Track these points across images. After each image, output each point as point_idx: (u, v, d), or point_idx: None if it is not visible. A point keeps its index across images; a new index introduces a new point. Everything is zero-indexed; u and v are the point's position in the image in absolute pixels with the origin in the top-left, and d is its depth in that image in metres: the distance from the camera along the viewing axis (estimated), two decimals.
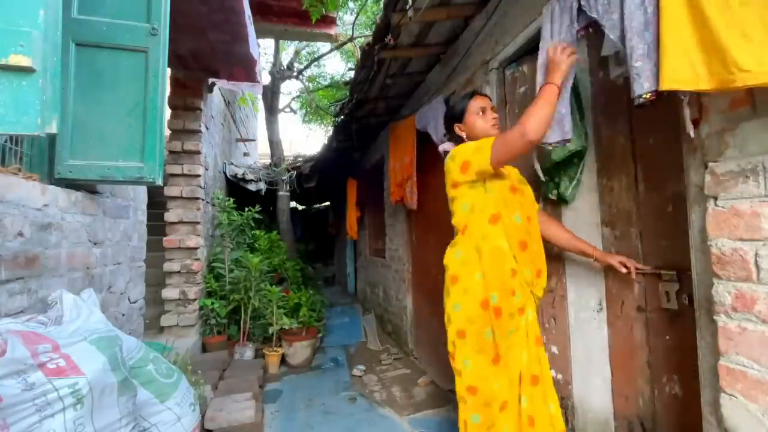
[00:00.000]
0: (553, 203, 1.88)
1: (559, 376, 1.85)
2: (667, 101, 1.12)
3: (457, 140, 1.70)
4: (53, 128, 1.15)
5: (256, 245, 4.65)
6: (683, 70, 0.98)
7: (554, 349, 1.88)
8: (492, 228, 1.51)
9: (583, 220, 1.73)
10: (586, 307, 1.71)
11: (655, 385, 1.45)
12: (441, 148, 1.81)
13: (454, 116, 1.71)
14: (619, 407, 1.58)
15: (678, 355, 1.37)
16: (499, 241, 1.50)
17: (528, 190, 1.65)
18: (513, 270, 1.49)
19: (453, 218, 1.64)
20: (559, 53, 1.39)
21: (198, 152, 3.66)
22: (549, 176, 1.84)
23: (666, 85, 1.01)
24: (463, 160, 1.52)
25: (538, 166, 1.72)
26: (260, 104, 7.31)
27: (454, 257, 1.59)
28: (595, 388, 1.67)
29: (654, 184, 1.46)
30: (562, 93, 1.44)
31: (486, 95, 1.74)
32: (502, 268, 1.49)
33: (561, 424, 1.53)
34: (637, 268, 1.45)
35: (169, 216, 3.56)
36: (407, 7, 2.04)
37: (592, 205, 1.69)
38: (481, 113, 1.64)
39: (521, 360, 1.51)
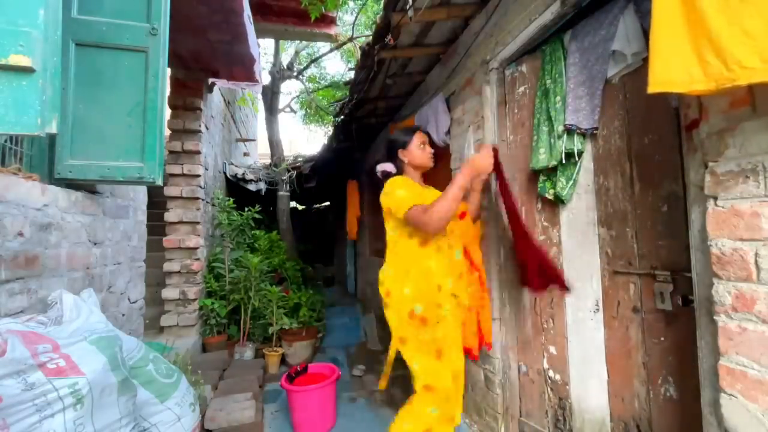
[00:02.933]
0: (549, 202, 1.87)
1: (557, 377, 1.85)
2: (662, 100, 1.11)
3: (399, 165, 1.94)
4: (53, 128, 1.15)
5: (256, 245, 4.65)
6: (676, 71, 0.96)
7: (552, 349, 1.87)
8: (421, 250, 1.75)
9: (580, 220, 1.73)
10: (584, 307, 1.71)
11: (651, 386, 1.45)
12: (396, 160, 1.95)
13: (399, 144, 1.92)
14: (615, 408, 1.58)
15: (673, 356, 1.37)
16: (428, 262, 1.74)
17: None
18: (438, 285, 1.72)
19: (387, 236, 1.87)
20: (487, 160, 1.77)
21: (198, 152, 3.66)
22: (546, 176, 1.84)
23: (656, 87, 0.99)
24: (388, 206, 1.77)
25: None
26: (260, 104, 7.30)
27: (387, 274, 1.81)
28: (592, 389, 1.67)
29: (649, 184, 1.46)
30: (597, 85, 1.59)
31: (427, 132, 2.00)
32: (428, 283, 1.72)
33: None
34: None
35: (169, 216, 3.56)
36: (407, 7, 2.03)
37: (589, 204, 1.69)
38: (422, 147, 1.91)
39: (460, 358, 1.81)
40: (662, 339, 1.41)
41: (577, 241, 1.74)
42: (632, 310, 1.51)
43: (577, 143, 1.65)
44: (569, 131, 1.67)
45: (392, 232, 1.82)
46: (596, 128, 1.62)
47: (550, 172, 1.82)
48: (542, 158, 1.80)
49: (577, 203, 1.74)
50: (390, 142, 1.97)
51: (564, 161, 1.71)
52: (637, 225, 1.50)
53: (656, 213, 1.43)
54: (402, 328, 1.72)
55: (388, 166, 1.94)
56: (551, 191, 1.80)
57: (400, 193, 1.71)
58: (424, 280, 1.71)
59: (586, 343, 1.69)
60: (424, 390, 1.67)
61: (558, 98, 1.74)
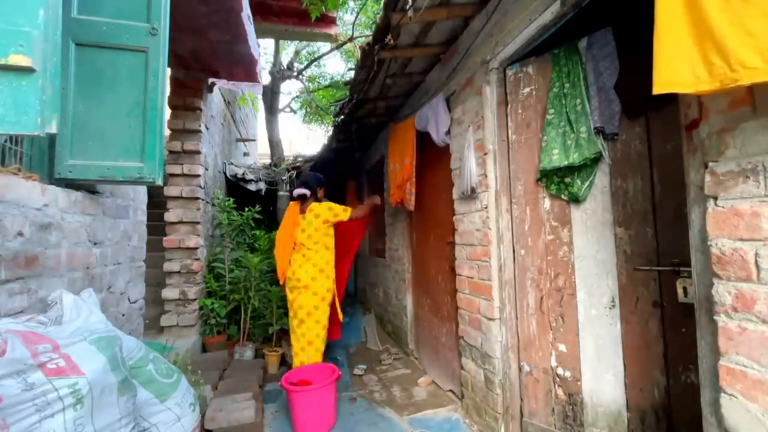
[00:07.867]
0: (559, 203, 1.89)
1: (567, 374, 1.86)
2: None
3: (315, 194, 3.16)
4: (53, 128, 1.15)
5: (256, 245, 4.64)
6: (681, 72, 0.95)
7: (562, 347, 1.88)
8: (331, 254, 3.10)
9: (594, 219, 1.75)
10: (598, 304, 1.74)
11: (671, 375, 1.50)
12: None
13: (323, 184, 3.25)
14: (632, 399, 1.63)
15: (695, 345, 1.40)
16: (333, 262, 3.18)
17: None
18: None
19: (310, 240, 2.97)
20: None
21: (198, 152, 3.66)
22: (560, 177, 1.86)
23: (662, 88, 0.99)
24: (327, 217, 2.96)
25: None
26: (260, 104, 7.29)
27: (314, 267, 2.97)
28: (607, 383, 1.70)
29: (671, 187, 1.51)
30: (611, 95, 1.70)
31: None
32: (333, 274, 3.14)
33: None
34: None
35: (169, 216, 3.56)
36: (407, 7, 2.03)
37: (605, 205, 1.72)
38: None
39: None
40: (684, 330, 1.46)
41: (590, 241, 1.77)
42: (652, 305, 1.56)
43: (599, 146, 1.70)
44: (596, 133, 1.71)
45: (322, 239, 2.96)
46: (616, 133, 1.67)
47: (562, 172, 1.83)
48: (555, 158, 1.81)
49: (592, 204, 1.77)
50: (318, 179, 3.23)
51: (589, 163, 1.74)
52: (659, 224, 1.55)
53: (679, 213, 1.46)
54: (321, 300, 2.94)
55: (305, 192, 3.07)
56: (566, 192, 1.82)
57: (339, 207, 3.02)
58: (333, 272, 3.06)
59: (601, 338, 1.73)
60: (323, 327, 2.97)
61: (578, 101, 1.77)
